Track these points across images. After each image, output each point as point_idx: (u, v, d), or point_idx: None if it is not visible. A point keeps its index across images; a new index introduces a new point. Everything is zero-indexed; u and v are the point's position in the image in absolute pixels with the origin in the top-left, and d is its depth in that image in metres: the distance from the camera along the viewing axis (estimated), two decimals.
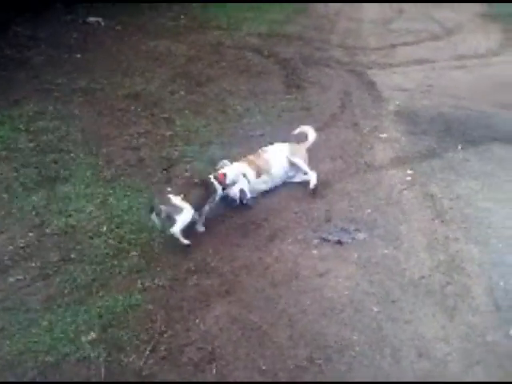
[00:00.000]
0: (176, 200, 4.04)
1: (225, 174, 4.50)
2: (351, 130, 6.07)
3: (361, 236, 4.31)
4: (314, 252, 4.13)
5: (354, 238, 4.27)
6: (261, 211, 4.59)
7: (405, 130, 6.13)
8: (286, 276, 3.87)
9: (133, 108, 6.50)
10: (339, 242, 4.22)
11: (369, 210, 4.63)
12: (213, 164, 4.90)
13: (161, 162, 5.28)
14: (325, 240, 4.25)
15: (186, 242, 4.02)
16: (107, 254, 3.98)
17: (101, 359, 3.13)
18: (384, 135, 5.96)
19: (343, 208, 4.66)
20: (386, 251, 4.13)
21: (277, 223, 4.45)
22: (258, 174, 4.79)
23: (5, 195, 4.63)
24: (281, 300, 3.64)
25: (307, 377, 3.08)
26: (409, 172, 5.24)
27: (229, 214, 4.56)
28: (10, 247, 4.05)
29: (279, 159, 4.97)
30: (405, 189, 4.96)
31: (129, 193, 4.72)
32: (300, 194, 4.85)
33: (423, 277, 3.87)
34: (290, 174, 5.05)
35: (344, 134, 5.93)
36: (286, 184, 4.99)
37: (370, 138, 5.88)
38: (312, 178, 4.89)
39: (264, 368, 3.12)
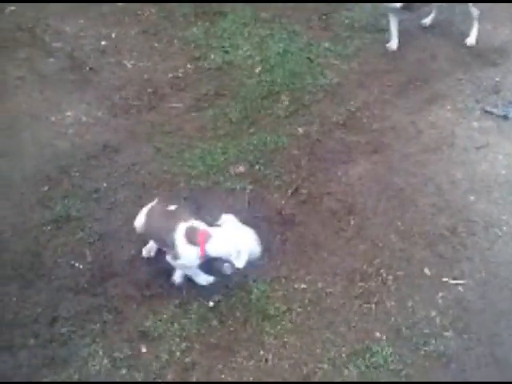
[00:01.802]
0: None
1: None
2: None
3: None
4: (475, 123, 3.80)
5: None
6: (422, 71, 4.23)
7: None
8: (440, 144, 3.64)
9: None
10: (505, 117, 3.82)
11: None
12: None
13: (320, 6, 4.96)
14: (489, 112, 3.87)
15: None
16: (259, 94, 4.00)
17: (246, 191, 3.30)
18: None
19: None
20: None
21: (438, 87, 4.10)
22: None
23: (167, 25, 4.73)
24: (430, 167, 3.48)
25: (445, 246, 3.01)
26: None
27: (386, 69, 4.27)
28: (170, 75, 4.22)
29: None
30: None
31: (285, 36, 4.56)
32: (469, 58, 4.36)
33: None
34: None
35: None
36: (452, 42, 4.47)
37: None
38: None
39: (402, 229, 3.10)
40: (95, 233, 3.06)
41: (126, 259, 2.93)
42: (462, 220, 3.14)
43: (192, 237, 2.54)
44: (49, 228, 3.09)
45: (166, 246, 2.68)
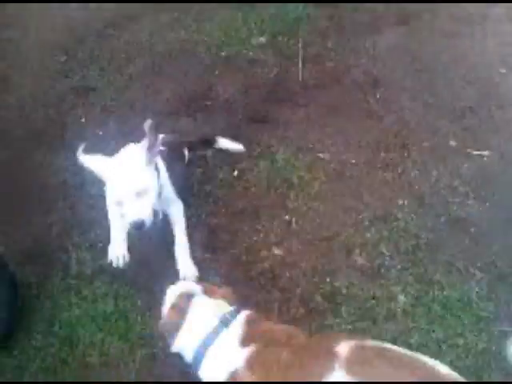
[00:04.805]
0: None
1: None
2: None
3: None
4: None
5: None
6: None
7: None
8: (472, 16, 3.46)
9: None
10: None
11: None
12: None
13: None
14: None
15: None
16: None
17: (269, 63, 3.19)
18: None
19: None
20: None
21: None
22: None
23: None
24: (461, 40, 3.33)
25: (473, 119, 2.93)
26: None
27: None
28: None
29: None
30: None
31: None
32: None
33: None
34: None
35: None
36: None
37: None
38: None
39: (430, 101, 3.02)
40: (116, 102, 3.02)
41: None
42: (491, 93, 3.05)
43: None
44: (70, 97, 3.05)
45: None
